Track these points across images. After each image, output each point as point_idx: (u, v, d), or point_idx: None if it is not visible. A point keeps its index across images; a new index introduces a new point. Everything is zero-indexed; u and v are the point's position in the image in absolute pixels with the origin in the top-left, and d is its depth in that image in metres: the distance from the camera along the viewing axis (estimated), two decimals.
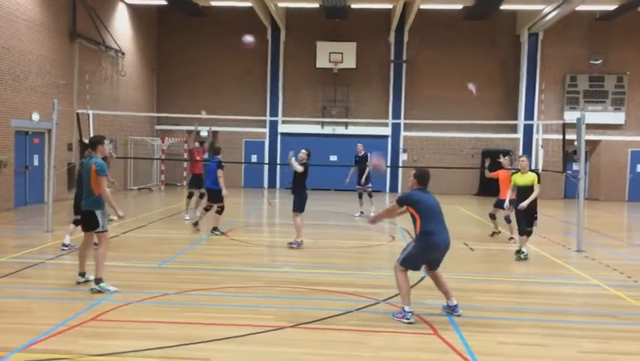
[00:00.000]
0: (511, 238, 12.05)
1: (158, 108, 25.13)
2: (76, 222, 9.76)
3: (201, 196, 14.72)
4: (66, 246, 9.94)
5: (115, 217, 7.79)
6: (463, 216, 17.40)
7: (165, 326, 6.04)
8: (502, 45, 24.85)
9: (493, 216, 12.80)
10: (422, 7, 21.38)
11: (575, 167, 24.70)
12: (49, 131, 14.45)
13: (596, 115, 23.81)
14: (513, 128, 24.83)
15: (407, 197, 6.65)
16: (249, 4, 21.99)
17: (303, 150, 10.89)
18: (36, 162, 17.02)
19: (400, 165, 24.81)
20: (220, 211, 12.33)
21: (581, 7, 20.82)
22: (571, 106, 24.17)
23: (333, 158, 24.78)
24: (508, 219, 12.08)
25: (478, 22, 23.80)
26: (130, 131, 22.83)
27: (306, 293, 7.60)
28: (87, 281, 7.49)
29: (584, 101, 24.08)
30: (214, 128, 17.06)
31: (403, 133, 25.03)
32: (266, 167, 25.73)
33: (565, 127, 12.31)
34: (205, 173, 13.44)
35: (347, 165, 23.81)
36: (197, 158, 15.01)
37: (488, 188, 23.82)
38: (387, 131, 25.18)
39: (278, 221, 16.02)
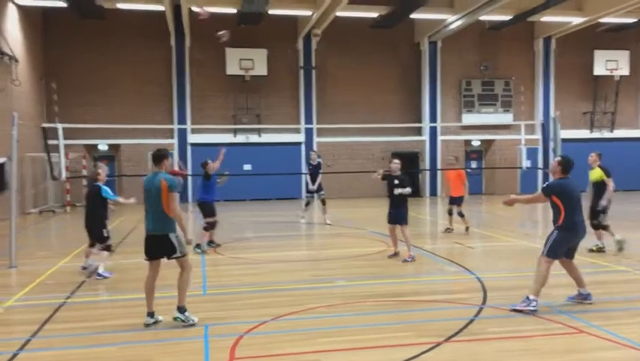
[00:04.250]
0: (467, 227, 13.50)
1: (49, 121, 22.62)
2: (107, 248, 9.18)
3: None
4: (100, 275, 9.01)
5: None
6: None
7: (321, 355, 5.49)
8: (405, 52, 26.04)
9: (451, 212, 13.94)
10: (339, 14, 21.67)
11: (473, 165, 26.71)
12: None
13: (489, 117, 25.96)
14: (419, 131, 26.09)
15: (557, 188, 6.71)
16: (162, 8, 20.69)
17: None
18: None
19: (307, 171, 24.81)
20: (207, 228, 11.51)
21: (483, 17, 22.57)
22: (467, 109, 26.06)
23: (247, 167, 24.16)
24: (461, 214, 13.51)
25: (383, 31, 24.71)
26: (21, 147, 20.23)
27: (402, 305, 7.36)
28: (157, 322, 6.52)
29: (478, 104, 26.08)
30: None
31: (315, 139, 25.15)
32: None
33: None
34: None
35: (262, 173, 23.60)
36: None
37: None
38: (300, 138, 25.15)
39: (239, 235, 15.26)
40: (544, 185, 7.08)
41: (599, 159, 10.81)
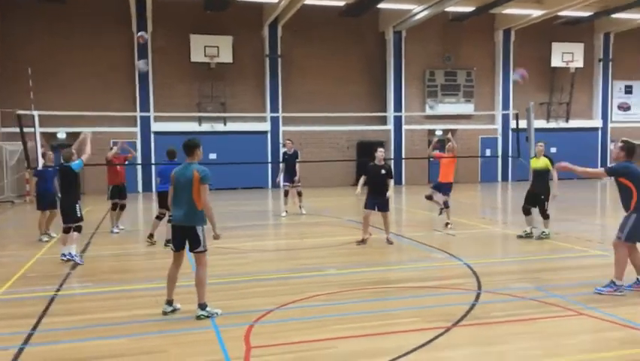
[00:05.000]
0: (448, 223, 12.58)
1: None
2: (78, 229, 9.39)
3: (122, 208, 13.34)
4: (74, 256, 9.19)
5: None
6: None
7: (337, 342, 5.53)
8: (370, 42, 26.17)
9: (430, 198, 13.11)
10: (307, 2, 21.57)
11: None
12: None
13: (451, 106, 26.44)
14: (384, 120, 26.32)
15: (624, 170, 6.82)
16: None
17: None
18: None
19: (281, 160, 24.73)
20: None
21: (448, 9, 22.92)
22: (431, 98, 26.45)
23: (213, 156, 23.82)
24: (447, 204, 12.72)
25: (348, 20, 24.74)
26: None
27: (401, 292, 7.47)
28: (175, 311, 6.45)
29: (441, 94, 26.51)
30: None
31: (282, 128, 25.04)
32: (139, 168, 23.79)
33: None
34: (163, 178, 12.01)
35: (227, 162, 23.35)
36: (119, 168, 13.49)
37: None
38: (266, 126, 24.99)
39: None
40: (610, 166, 7.21)
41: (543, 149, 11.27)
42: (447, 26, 26.14)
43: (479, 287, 7.50)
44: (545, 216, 11.08)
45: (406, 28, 25.36)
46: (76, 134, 23.08)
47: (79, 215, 9.45)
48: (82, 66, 22.95)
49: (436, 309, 6.63)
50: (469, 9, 23.90)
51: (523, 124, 12.74)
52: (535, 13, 24.77)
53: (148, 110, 23.34)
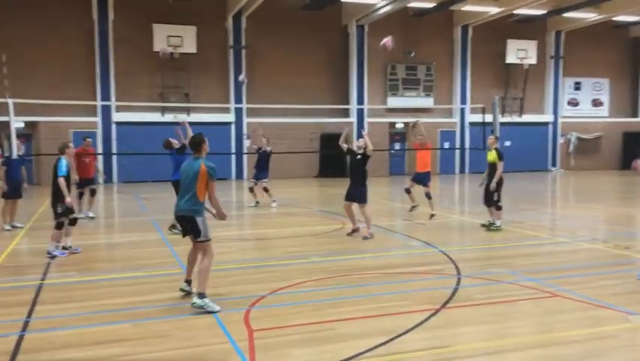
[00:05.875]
0: (433, 214, 12.78)
1: None
2: (72, 222, 9.21)
3: (92, 194, 13.36)
4: (66, 249, 9.08)
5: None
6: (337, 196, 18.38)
7: (336, 324, 5.78)
8: (333, 35, 26.43)
9: (408, 191, 13.36)
10: None
11: (397, 146, 27.76)
12: None
13: (411, 100, 27.02)
14: (346, 113, 26.66)
15: None
16: None
17: (361, 140, 10.75)
18: None
19: (245, 151, 24.84)
20: None
21: (410, 5, 23.41)
22: (392, 92, 26.97)
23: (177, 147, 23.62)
24: (429, 195, 12.98)
25: (312, 13, 24.94)
26: None
27: (387, 277, 7.78)
28: (190, 293, 6.56)
29: (402, 88, 27.05)
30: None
31: (245, 119, 25.06)
32: (100, 159, 23.32)
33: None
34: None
35: (188, 153, 23.19)
36: (86, 160, 13.36)
37: (330, 168, 25.66)
38: (230, 118, 24.98)
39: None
40: None
41: (497, 142, 11.58)
42: (408, 22, 26.65)
43: (458, 272, 7.89)
44: (497, 207, 11.31)
45: (369, 22, 25.73)
46: (33, 124, 22.66)
47: (59, 211, 9.06)
48: (41, 55, 22.36)
49: (423, 293, 6.97)
50: (431, 5, 24.48)
51: (477, 118, 13.30)
52: (493, 10, 25.57)
53: (109, 99, 22.97)
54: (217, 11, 24.39)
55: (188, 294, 6.60)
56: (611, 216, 14.12)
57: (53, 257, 8.89)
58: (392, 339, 5.32)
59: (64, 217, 9.06)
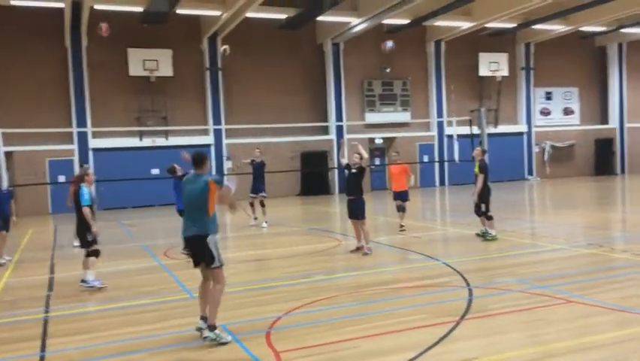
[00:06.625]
0: (402, 225, 13.06)
1: None
2: (96, 253, 8.82)
3: None
4: (91, 285, 8.64)
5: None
6: (324, 213, 18.40)
7: (359, 342, 5.72)
8: (309, 54, 26.58)
9: (400, 208, 13.47)
10: (249, 15, 21.72)
11: (377, 162, 27.89)
12: None
13: (389, 115, 27.25)
14: (325, 130, 26.74)
15: None
16: (61, 5, 19.49)
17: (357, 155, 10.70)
18: None
19: (225, 172, 24.65)
20: None
21: (386, 21, 23.72)
22: (370, 108, 27.18)
23: (155, 172, 23.31)
24: (401, 208, 13.25)
25: (287, 32, 25.05)
26: None
27: (397, 292, 7.76)
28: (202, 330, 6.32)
29: (379, 103, 27.29)
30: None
31: (225, 141, 24.93)
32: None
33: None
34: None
35: (169, 177, 22.90)
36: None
37: (312, 186, 25.67)
38: (209, 139, 24.79)
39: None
40: None
41: (482, 154, 11.77)
42: (383, 38, 26.77)
43: (467, 283, 7.91)
44: (487, 217, 11.45)
45: (344, 40, 25.98)
46: (7, 154, 22.15)
47: (90, 239, 8.76)
48: (13, 82, 21.96)
49: (438, 305, 6.96)
50: (405, 21, 24.82)
51: (458, 130, 13.29)
52: (464, 25, 26.06)
53: (85, 126, 22.62)
54: (192, 34, 24.32)
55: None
56: (596, 221, 14.38)
57: (92, 287, 8.59)
58: (422, 353, 5.29)
59: (94, 244, 8.81)
